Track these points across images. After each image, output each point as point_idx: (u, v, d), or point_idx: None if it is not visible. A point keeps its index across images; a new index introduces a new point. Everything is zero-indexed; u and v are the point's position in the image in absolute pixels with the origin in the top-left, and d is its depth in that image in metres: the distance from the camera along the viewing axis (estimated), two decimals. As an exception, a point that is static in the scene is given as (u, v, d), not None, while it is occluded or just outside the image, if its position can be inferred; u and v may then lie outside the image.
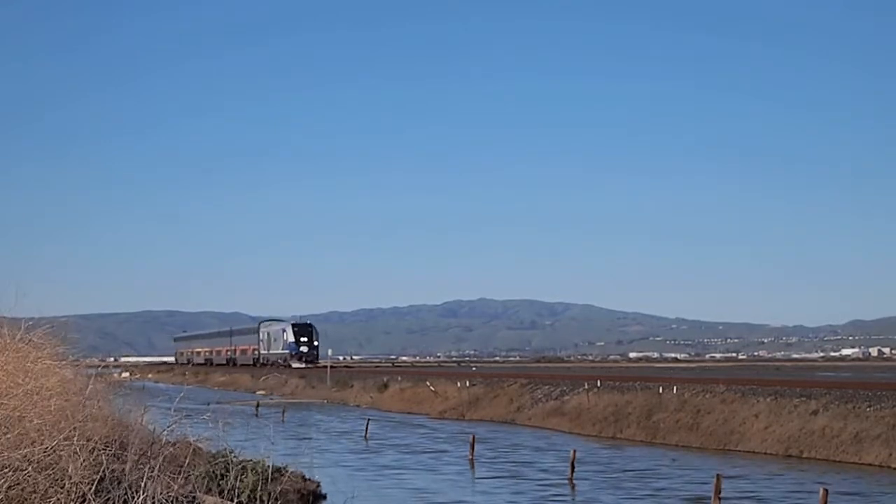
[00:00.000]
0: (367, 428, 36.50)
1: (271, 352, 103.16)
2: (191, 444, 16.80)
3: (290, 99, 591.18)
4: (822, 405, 29.74)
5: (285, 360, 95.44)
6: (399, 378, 59.06)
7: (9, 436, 12.43)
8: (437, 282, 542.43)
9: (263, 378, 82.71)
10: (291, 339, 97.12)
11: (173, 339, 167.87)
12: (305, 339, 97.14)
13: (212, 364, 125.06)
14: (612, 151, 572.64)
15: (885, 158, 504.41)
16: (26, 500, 11.84)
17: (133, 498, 12.46)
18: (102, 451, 13.47)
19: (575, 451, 24.86)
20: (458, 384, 50.39)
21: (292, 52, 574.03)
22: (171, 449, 15.86)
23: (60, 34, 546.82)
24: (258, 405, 51.91)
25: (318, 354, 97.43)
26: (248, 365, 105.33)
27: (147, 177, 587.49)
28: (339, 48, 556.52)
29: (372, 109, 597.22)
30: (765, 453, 28.90)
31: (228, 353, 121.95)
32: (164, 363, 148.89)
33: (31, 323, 17.24)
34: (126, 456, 14.10)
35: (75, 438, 12.78)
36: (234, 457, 17.95)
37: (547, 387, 44.80)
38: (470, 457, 28.54)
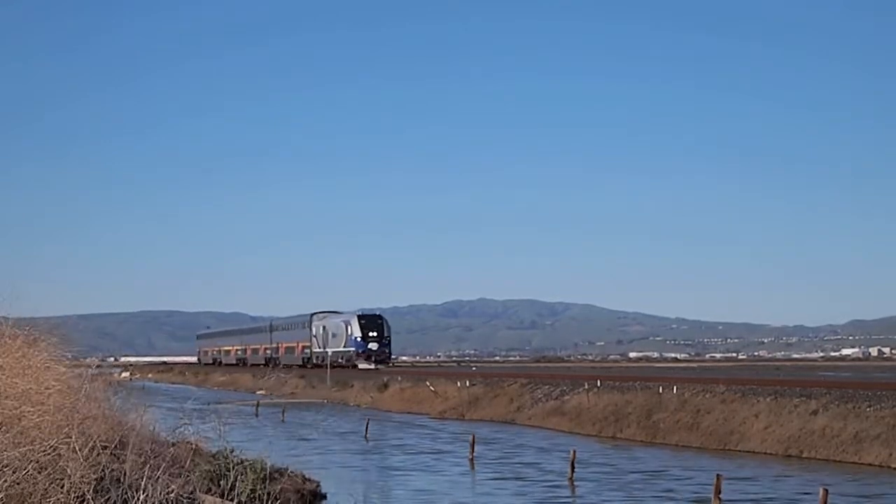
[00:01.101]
0: (367, 428, 36.49)
1: (329, 349, 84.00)
2: (191, 444, 16.83)
3: (290, 99, 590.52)
4: (822, 405, 29.72)
5: (349, 360, 78.98)
6: (399, 378, 59.05)
7: (8, 435, 12.42)
8: (437, 282, 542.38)
9: (263, 378, 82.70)
10: (357, 333, 79.29)
11: (196, 337, 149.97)
12: (375, 334, 79.57)
13: (245, 364, 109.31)
14: (612, 151, 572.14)
15: (885, 158, 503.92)
16: (26, 499, 11.82)
17: (133, 497, 12.45)
18: (102, 451, 13.48)
19: (575, 451, 24.85)
20: (458, 384, 50.39)
21: (292, 52, 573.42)
22: (172, 449, 15.89)
23: (60, 34, 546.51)
24: (258, 405, 51.90)
25: (390, 353, 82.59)
26: (298, 366, 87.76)
27: (147, 177, 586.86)
28: (339, 48, 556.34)
29: (372, 109, 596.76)
30: (765, 453, 28.90)
31: (268, 351, 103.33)
32: (164, 363, 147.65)
33: (30, 322, 17.24)
34: (126, 455, 14.10)
35: (74, 438, 12.77)
36: (234, 457, 17.95)
37: (547, 386, 44.79)
38: (470, 457, 28.53)
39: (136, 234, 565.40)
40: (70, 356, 18.94)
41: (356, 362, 76.60)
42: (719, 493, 19.50)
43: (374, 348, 78.92)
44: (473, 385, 49.73)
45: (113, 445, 14.84)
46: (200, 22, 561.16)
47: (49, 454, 12.32)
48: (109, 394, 20.05)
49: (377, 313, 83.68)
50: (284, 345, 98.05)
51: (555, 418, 39.80)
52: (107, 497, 12.61)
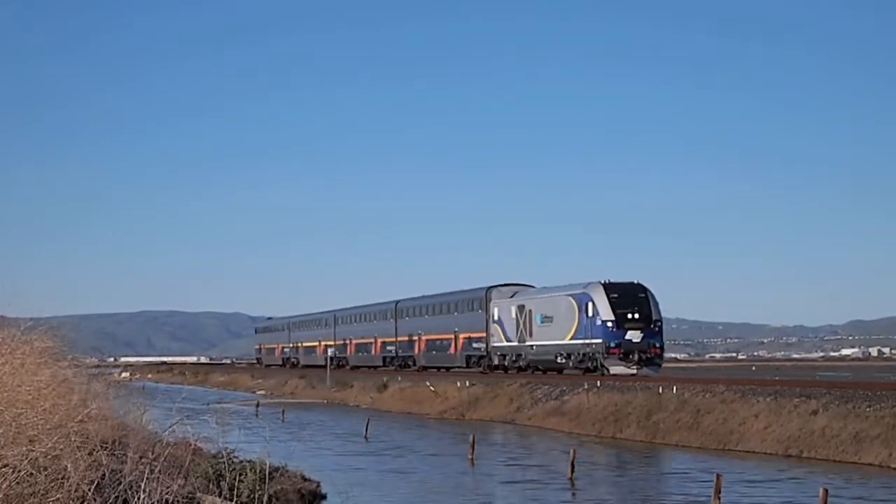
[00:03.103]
0: (366, 428, 36.50)
1: (535, 342, 53.28)
2: (191, 445, 16.83)
3: (290, 99, 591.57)
4: (822, 405, 29.70)
5: (588, 359, 48.69)
6: (399, 378, 59.06)
7: (8, 435, 12.43)
8: (437, 281, 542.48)
9: (263, 378, 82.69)
10: (606, 315, 47.77)
11: (255, 330, 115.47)
12: (636, 316, 47.97)
13: (343, 365, 78.93)
14: (612, 151, 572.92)
15: (885, 158, 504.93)
16: (26, 499, 11.83)
17: (133, 498, 12.47)
18: (102, 451, 13.49)
19: (575, 451, 24.84)
20: (458, 384, 50.39)
21: (292, 52, 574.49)
22: (171, 449, 15.89)
23: (60, 34, 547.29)
24: (258, 405, 51.94)
25: (662, 347, 50.02)
26: (458, 369, 61.07)
27: (147, 177, 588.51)
28: (339, 48, 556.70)
29: (372, 109, 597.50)
30: (765, 453, 28.89)
31: (390, 347, 72.00)
32: (164, 363, 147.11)
33: (30, 323, 17.25)
34: (126, 456, 14.11)
35: (74, 438, 12.79)
36: (234, 457, 17.96)
37: (547, 387, 44.77)
38: (470, 457, 28.54)
39: (136, 234, 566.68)
40: (70, 356, 18.95)
41: (607, 364, 47.35)
42: (719, 493, 19.49)
43: (637, 340, 47.66)
44: (473, 385, 49.74)
45: (113, 445, 14.87)
46: (200, 22, 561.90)
47: (49, 454, 12.33)
48: (109, 394, 20.07)
49: (635, 282, 49.99)
50: (425, 337, 66.55)
51: (555, 418, 39.79)
52: (107, 497, 12.62)
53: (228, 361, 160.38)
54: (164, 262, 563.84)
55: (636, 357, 47.47)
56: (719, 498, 19.50)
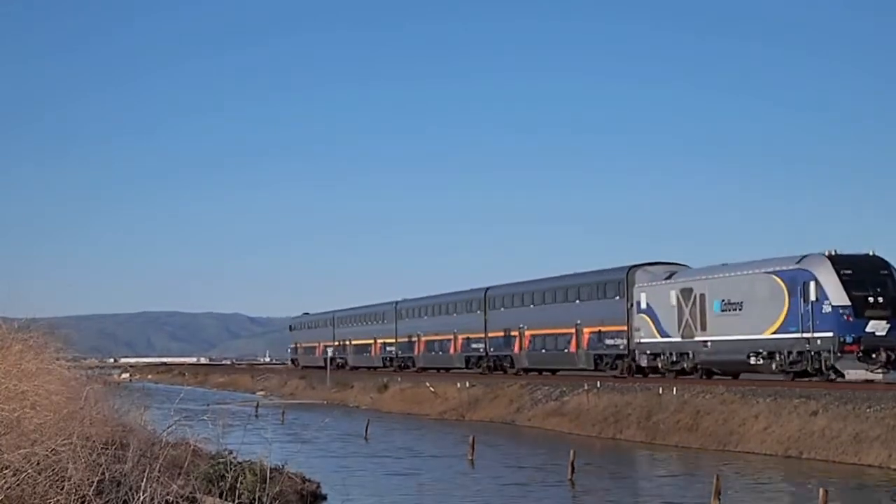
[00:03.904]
0: (367, 428, 36.52)
1: (711, 337, 40.05)
2: (190, 445, 16.84)
3: (290, 99, 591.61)
4: (822, 406, 29.73)
5: (811, 358, 35.39)
6: (399, 379, 59.08)
7: (8, 437, 12.44)
8: (437, 281, 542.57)
9: (263, 379, 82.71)
10: (841, 300, 34.34)
11: (289, 328, 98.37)
12: (881, 301, 34.47)
13: (408, 366, 67.59)
14: (612, 151, 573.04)
15: (886, 158, 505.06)
16: (26, 501, 11.85)
17: (133, 498, 12.47)
18: (102, 452, 13.49)
19: (575, 452, 24.85)
20: (458, 385, 50.42)
21: (292, 52, 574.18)
22: (171, 450, 15.90)
23: (60, 34, 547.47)
24: (258, 406, 51.95)
25: None
26: (581, 372, 48.89)
27: (147, 177, 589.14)
28: (339, 48, 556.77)
29: (372, 109, 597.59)
30: (764, 454, 28.92)
31: (477, 345, 59.19)
32: (164, 364, 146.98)
33: (30, 324, 17.27)
34: (126, 457, 14.12)
35: (75, 439, 12.80)
36: (234, 458, 17.97)
37: (547, 387, 44.80)
38: (470, 457, 28.56)
39: (136, 234, 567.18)
40: (70, 357, 18.97)
41: (838, 364, 34.75)
42: (719, 493, 19.51)
43: (882, 332, 34.33)
44: (473, 386, 49.77)
45: (113, 447, 14.87)
46: (200, 22, 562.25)
47: (49, 456, 12.34)
48: (109, 395, 20.09)
49: (872, 253, 37.06)
50: (529, 332, 53.72)
51: (554, 419, 39.82)
52: (107, 498, 12.63)
53: (228, 362, 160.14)
54: (164, 262, 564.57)
55: (883, 356, 34.26)
56: (719, 499, 19.51)
